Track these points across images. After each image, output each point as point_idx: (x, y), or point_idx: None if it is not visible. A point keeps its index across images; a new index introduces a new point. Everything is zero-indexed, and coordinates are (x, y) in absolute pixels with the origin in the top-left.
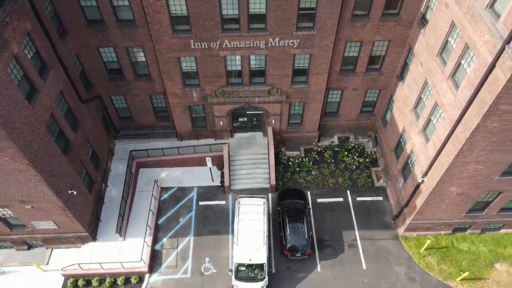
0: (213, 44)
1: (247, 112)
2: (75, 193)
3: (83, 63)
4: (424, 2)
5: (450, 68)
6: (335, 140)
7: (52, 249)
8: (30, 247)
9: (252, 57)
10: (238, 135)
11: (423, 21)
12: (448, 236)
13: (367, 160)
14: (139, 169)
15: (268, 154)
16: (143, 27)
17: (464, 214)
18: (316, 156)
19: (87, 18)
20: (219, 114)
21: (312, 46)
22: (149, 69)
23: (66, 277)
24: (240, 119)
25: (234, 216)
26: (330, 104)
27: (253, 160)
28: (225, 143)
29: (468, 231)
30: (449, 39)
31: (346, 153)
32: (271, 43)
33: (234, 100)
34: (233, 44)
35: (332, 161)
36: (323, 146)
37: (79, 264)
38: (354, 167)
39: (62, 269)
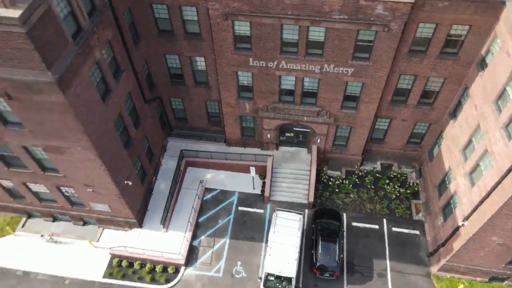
0: (270, 64)
1: (295, 129)
2: (130, 183)
3: (150, 67)
4: (485, 46)
5: (505, 117)
6: (378, 166)
7: (103, 229)
8: (85, 223)
9: (306, 79)
10: (283, 149)
11: (482, 64)
12: (483, 284)
13: (408, 191)
14: (187, 167)
15: (310, 171)
16: (208, 41)
17: (504, 265)
18: (357, 179)
19: (159, 28)
20: (267, 127)
21: (365, 75)
22: (208, 78)
23: (113, 256)
24: (287, 134)
25: (270, 226)
26: (377, 130)
27: (295, 175)
28: (270, 155)
29: (506, 282)
30: (507, 88)
31: (387, 181)
32: (325, 69)
33: (284, 116)
34: (289, 65)
35: (372, 187)
36: (365, 170)
37: (125, 246)
38: (394, 196)
39: (110, 249)
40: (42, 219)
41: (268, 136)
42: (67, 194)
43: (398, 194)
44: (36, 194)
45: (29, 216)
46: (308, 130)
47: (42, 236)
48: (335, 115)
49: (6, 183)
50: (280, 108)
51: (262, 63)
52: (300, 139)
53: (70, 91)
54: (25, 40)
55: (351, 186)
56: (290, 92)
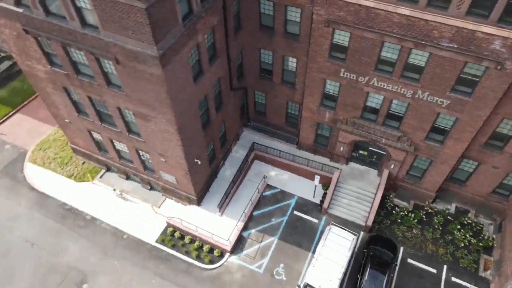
0: (361, 78)
1: (370, 148)
2: (199, 162)
3: (243, 58)
4: None
5: None
6: (452, 208)
7: (166, 198)
8: (151, 188)
9: (394, 101)
10: (353, 165)
11: None
12: None
13: (481, 244)
14: (254, 160)
15: (376, 194)
16: (304, 43)
17: None
18: (424, 216)
19: (261, 22)
20: (342, 140)
21: (461, 111)
22: (295, 80)
23: (168, 225)
24: (361, 152)
25: (320, 238)
26: (460, 171)
27: (359, 194)
28: (338, 168)
29: None
30: None
31: (459, 226)
32: (418, 95)
33: (362, 133)
34: (381, 84)
35: (440, 228)
36: (436, 209)
37: (181, 219)
38: (463, 244)
39: (167, 217)
40: (117, 175)
41: (341, 149)
42: (143, 158)
43: (467, 244)
44: (117, 151)
45: (108, 169)
46: (384, 153)
47: (114, 190)
48: (417, 144)
49: (96, 136)
50: (360, 124)
51: (353, 76)
52: (373, 159)
53: (168, 67)
54: (142, 15)
55: (416, 221)
56: (374, 111)
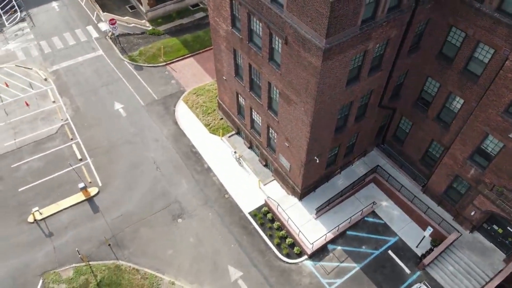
0: None
1: (508, 227)
2: (317, 161)
3: (406, 78)
4: None
5: None
6: None
7: (274, 179)
8: (265, 165)
9: None
10: (477, 235)
11: None
12: None
13: None
14: (371, 182)
15: (491, 280)
16: (481, 88)
17: None
18: None
19: (441, 50)
20: (478, 205)
21: None
22: (452, 121)
23: (265, 204)
24: (494, 226)
25: None
26: None
27: (470, 269)
28: (458, 232)
29: None
30: None
31: None
32: None
33: (506, 208)
34: None
35: None
36: None
37: (278, 204)
38: None
39: (267, 197)
40: (243, 141)
41: (472, 213)
42: (270, 136)
43: None
44: (252, 121)
45: (237, 132)
46: None
47: (235, 152)
48: None
49: (241, 100)
50: (508, 198)
51: None
52: (507, 241)
53: (327, 62)
54: (326, 7)
55: None
56: None
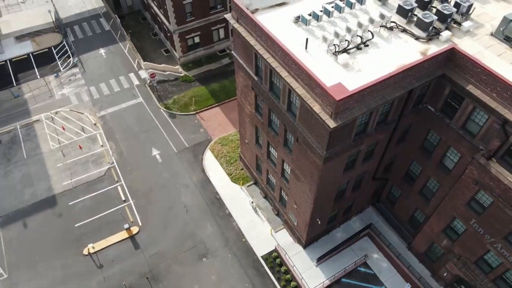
0: (487, 236)
1: None
2: (319, 222)
3: (395, 160)
4: None
5: None
6: None
7: (283, 228)
8: (277, 214)
9: (510, 271)
10: None
11: None
12: None
13: None
14: (365, 236)
15: None
16: (452, 178)
17: None
18: None
19: (423, 145)
20: (449, 269)
21: None
22: (431, 198)
23: (275, 249)
24: (463, 287)
25: None
26: None
27: None
28: None
29: None
30: None
31: None
32: None
33: (468, 275)
34: (503, 252)
35: None
36: None
37: (286, 252)
38: None
39: (277, 244)
40: (259, 191)
41: (444, 274)
42: (282, 195)
43: None
44: (268, 179)
45: (255, 183)
46: None
47: (252, 202)
48: None
49: (259, 162)
50: (470, 267)
51: (481, 231)
52: None
53: (328, 163)
54: (326, 132)
55: None
56: (490, 267)
